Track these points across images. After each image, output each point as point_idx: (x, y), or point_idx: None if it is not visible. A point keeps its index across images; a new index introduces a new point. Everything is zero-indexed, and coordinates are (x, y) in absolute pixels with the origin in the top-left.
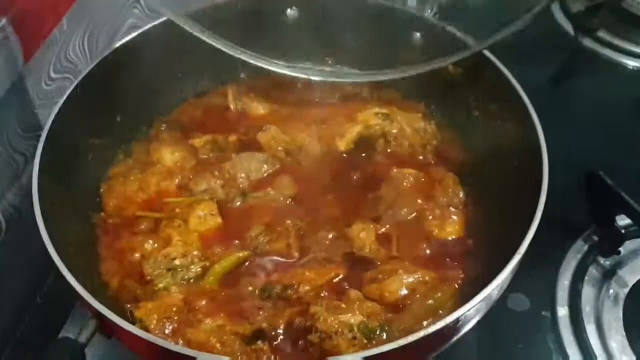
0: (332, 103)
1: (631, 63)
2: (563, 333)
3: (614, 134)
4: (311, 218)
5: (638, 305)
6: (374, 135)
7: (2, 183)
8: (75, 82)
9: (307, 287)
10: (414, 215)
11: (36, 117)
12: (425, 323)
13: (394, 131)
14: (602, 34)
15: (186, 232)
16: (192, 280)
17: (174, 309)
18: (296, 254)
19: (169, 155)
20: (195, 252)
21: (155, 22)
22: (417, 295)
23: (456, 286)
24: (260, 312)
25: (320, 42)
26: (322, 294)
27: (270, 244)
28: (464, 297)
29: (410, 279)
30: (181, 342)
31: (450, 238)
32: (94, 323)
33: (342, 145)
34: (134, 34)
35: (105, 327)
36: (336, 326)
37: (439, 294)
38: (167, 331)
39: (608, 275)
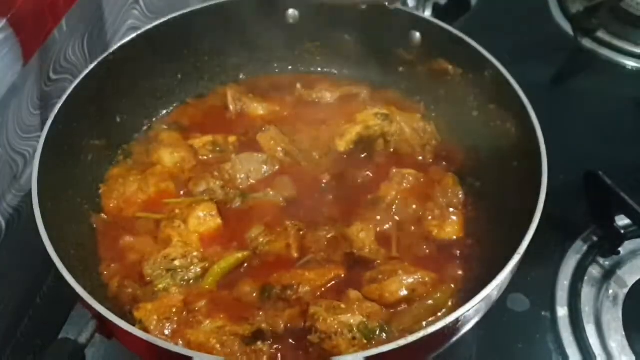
0: (332, 103)
1: (630, 63)
2: (563, 333)
3: (613, 134)
4: (311, 218)
5: (637, 305)
6: (374, 135)
7: (1, 184)
8: (75, 83)
9: (306, 288)
10: (413, 215)
11: (36, 118)
12: (425, 323)
13: (394, 131)
14: (601, 34)
15: (186, 233)
16: (191, 281)
17: (174, 310)
18: (296, 255)
19: (168, 156)
20: (195, 253)
21: (155, 23)
22: (417, 296)
23: (456, 286)
24: (260, 313)
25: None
26: (322, 295)
27: (270, 245)
28: (464, 297)
29: (410, 280)
30: (181, 343)
31: (449, 238)
32: (93, 324)
33: (341, 145)
34: (133, 35)
35: (105, 328)
36: (336, 326)
37: (439, 294)
38: (166, 332)
39: (607, 275)
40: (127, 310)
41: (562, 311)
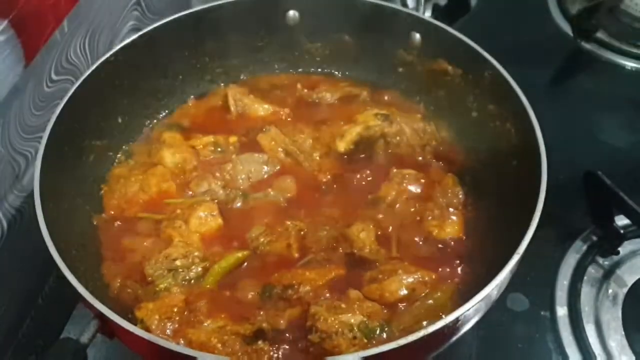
0: (332, 104)
1: (629, 64)
2: (562, 333)
3: (612, 134)
4: (311, 219)
5: (637, 305)
6: (374, 136)
7: (3, 184)
8: (77, 84)
9: (307, 288)
10: (413, 215)
11: (37, 119)
12: (425, 323)
13: (394, 132)
14: (600, 35)
15: (187, 233)
16: (193, 281)
17: (175, 310)
18: (296, 255)
19: (169, 157)
20: (196, 253)
21: (156, 24)
22: (417, 296)
23: (456, 286)
24: (261, 313)
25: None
26: (322, 294)
27: (271, 245)
28: (464, 297)
29: (410, 279)
30: (182, 342)
31: (449, 238)
32: (95, 324)
33: (342, 146)
34: (134, 36)
35: (106, 328)
36: (336, 326)
37: (439, 294)
38: (168, 331)
39: (607, 275)
40: (128, 310)
41: (561, 311)
